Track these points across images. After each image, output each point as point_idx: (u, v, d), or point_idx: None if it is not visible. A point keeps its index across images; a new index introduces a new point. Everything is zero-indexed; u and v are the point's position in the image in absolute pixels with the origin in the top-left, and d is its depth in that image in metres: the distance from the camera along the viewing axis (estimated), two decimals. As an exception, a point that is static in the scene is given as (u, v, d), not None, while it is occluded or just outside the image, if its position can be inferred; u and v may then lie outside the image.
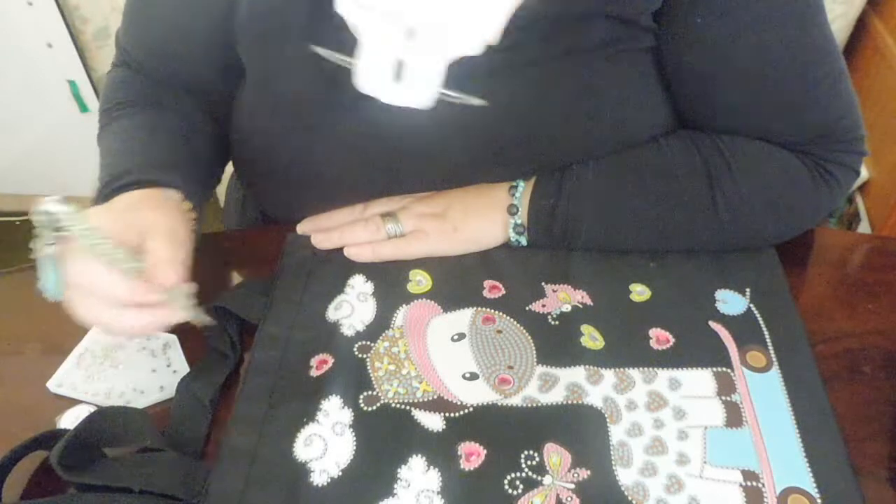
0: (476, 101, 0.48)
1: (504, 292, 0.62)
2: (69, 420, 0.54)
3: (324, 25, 0.59)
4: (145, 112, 0.68)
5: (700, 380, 0.55)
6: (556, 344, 0.57)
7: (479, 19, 0.40)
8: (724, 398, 0.54)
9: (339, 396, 0.54)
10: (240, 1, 0.60)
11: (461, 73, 0.60)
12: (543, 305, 0.60)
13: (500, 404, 0.54)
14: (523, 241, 0.64)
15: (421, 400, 0.54)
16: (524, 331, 0.59)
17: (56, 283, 0.49)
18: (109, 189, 0.57)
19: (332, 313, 0.61)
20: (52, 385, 0.57)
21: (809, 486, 0.49)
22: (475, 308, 0.60)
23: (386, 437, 0.52)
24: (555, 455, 0.51)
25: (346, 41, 0.58)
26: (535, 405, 0.54)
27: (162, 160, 0.62)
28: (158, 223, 0.53)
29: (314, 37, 0.59)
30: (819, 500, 0.48)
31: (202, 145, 0.70)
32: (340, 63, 0.47)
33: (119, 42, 0.73)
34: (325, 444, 0.52)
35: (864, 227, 1.44)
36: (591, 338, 0.58)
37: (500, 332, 0.59)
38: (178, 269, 0.51)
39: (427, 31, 0.40)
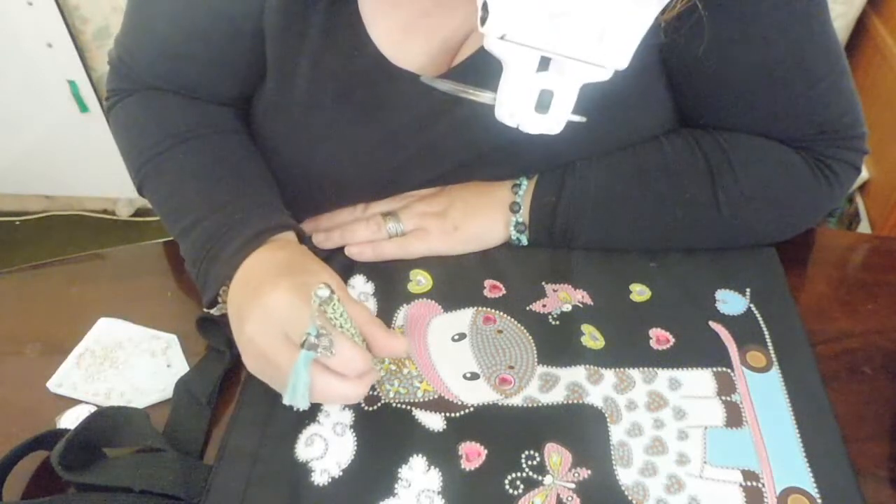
0: (579, 119, 0.48)
1: (504, 292, 0.62)
2: (69, 420, 0.54)
3: (340, 26, 0.59)
4: (212, 143, 0.63)
5: (700, 380, 0.55)
6: (557, 344, 0.57)
7: (612, 49, 0.41)
8: (724, 398, 0.54)
9: (339, 396, 0.54)
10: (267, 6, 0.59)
11: (467, 72, 0.60)
12: (544, 305, 0.60)
13: (500, 404, 0.54)
14: (524, 239, 0.64)
15: (421, 400, 0.54)
16: (525, 331, 0.59)
17: (306, 388, 0.46)
18: (239, 241, 0.54)
19: (333, 313, 0.61)
20: (52, 385, 0.57)
21: (809, 485, 0.49)
22: (476, 308, 0.60)
23: (387, 437, 0.52)
24: (555, 455, 0.51)
25: (361, 45, 0.58)
26: (535, 405, 0.54)
27: (270, 197, 0.59)
28: (335, 279, 0.51)
29: (330, 37, 0.59)
30: (819, 500, 0.48)
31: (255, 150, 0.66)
32: (465, 96, 0.47)
33: (120, 60, 0.67)
34: (326, 443, 0.52)
35: (864, 227, 1.44)
36: (592, 337, 0.58)
37: (500, 331, 0.59)
38: (403, 343, 0.51)
39: (562, 62, 0.42)
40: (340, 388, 0.48)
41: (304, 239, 0.59)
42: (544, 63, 0.42)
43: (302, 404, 0.47)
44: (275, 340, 0.48)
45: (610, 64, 0.42)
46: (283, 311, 0.48)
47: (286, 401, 0.47)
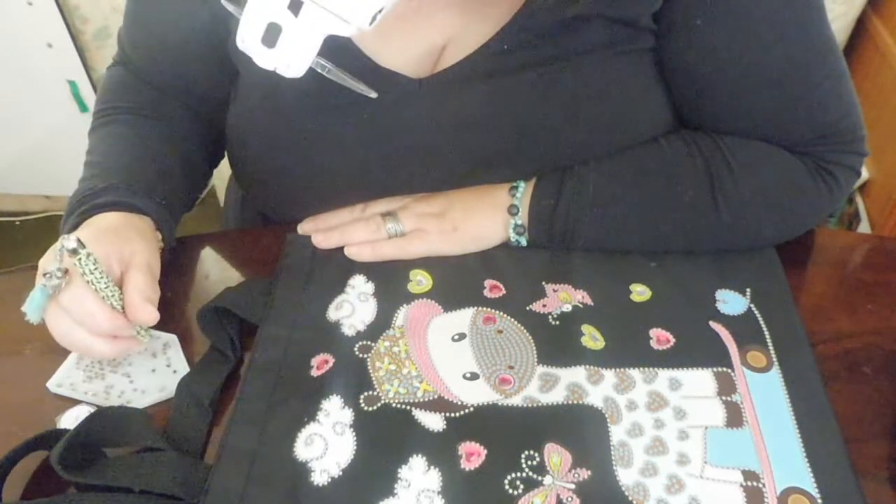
0: (364, 89, 0.51)
1: (505, 292, 0.62)
2: (69, 420, 0.54)
3: None
4: (137, 122, 0.69)
5: (700, 380, 0.55)
6: (557, 344, 0.57)
7: (355, 5, 0.42)
8: (724, 398, 0.54)
9: (339, 396, 0.54)
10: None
11: (461, 74, 0.60)
12: (544, 305, 0.60)
13: (500, 404, 0.54)
14: (523, 241, 0.64)
15: (421, 400, 0.54)
16: (525, 331, 0.59)
17: (41, 309, 0.53)
18: (90, 204, 0.59)
19: (333, 313, 0.61)
20: (52, 385, 0.57)
21: (810, 486, 0.49)
22: (476, 308, 0.60)
23: (386, 437, 0.52)
24: (555, 455, 0.51)
25: (343, 46, 0.59)
26: (535, 405, 0.54)
27: (145, 182, 0.63)
28: (142, 255, 0.56)
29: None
30: (819, 500, 0.48)
31: (193, 154, 0.71)
32: (353, 88, 0.50)
33: (120, 41, 0.73)
34: (326, 443, 0.52)
35: (864, 227, 1.44)
36: (592, 338, 0.58)
37: (500, 331, 0.59)
38: (154, 308, 0.54)
39: (309, 5, 0.42)
40: (82, 338, 0.53)
41: (160, 227, 0.62)
42: (296, 5, 0.43)
43: (31, 319, 0.53)
44: (43, 261, 0.55)
45: (354, 20, 0.43)
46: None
47: (23, 307, 0.53)
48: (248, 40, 0.46)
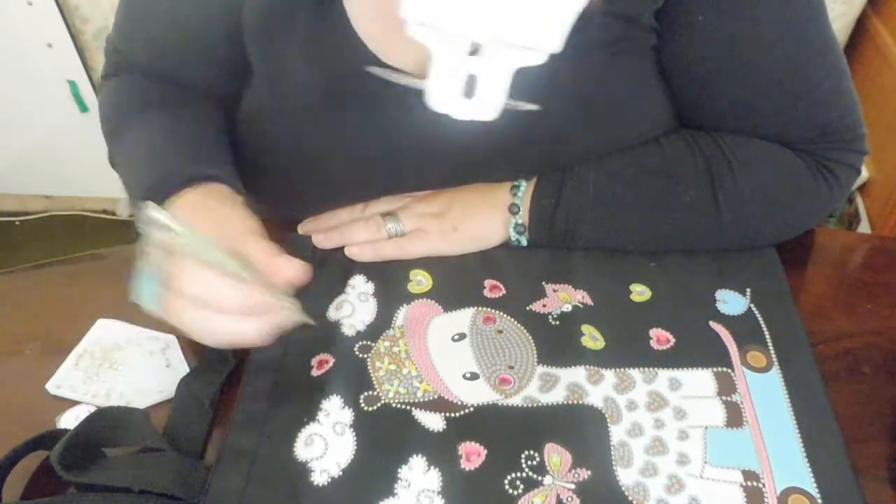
0: (530, 107, 0.48)
1: (504, 292, 0.62)
2: (69, 420, 0.54)
3: (327, 26, 0.59)
4: (166, 112, 0.65)
5: (700, 380, 0.55)
6: (557, 344, 0.57)
7: (542, 31, 0.40)
8: (724, 398, 0.54)
9: (339, 396, 0.54)
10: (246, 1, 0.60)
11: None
12: (544, 305, 0.60)
13: (500, 404, 0.54)
14: (524, 240, 0.64)
15: (421, 400, 0.54)
16: (525, 331, 0.59)
17: (155, 295, 0.46)
18: (162, 190, 0.54)
19: (333, 313, 0.61)
20: (52, 387, 0.57)
21: (810, 486, 0.49)
22: (476, 308, 0.60)
23: (386, 437, 0.52)
24: (555, 455, 0.51)
25: (350, 44, 0.59)
26: (535, 405, 0.54)
27: (205, 155, 0.60)
28: (240, 221, 0.51)
29: (319, 37, 0.59)
30: (819, 500, 0.48)
31: (226, 140, 0.67)
32: (401, 82, 0.47)
33: (115, 49, 0.71)
34: (326, 443, 0.52)
35: (864, 227, 1.44)
36: (592, 338, 0.58)
37: (500, 331, 0.59)
38: (292, 267, 0.48)
39: (492, 46, 0.41)
40: (217, 321, 0.46)
41: (238, 191, 0.58)
42: (475, 47, 0.41)
43: (147, 305, 0.48)
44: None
45: (542, 46, 0.41)
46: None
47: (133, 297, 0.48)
48: (446, 101, 0.44)
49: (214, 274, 0.46)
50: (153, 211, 0.45)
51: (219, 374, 0.57)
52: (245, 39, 0.62)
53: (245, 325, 0.47)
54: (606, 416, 0.53)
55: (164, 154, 0.59)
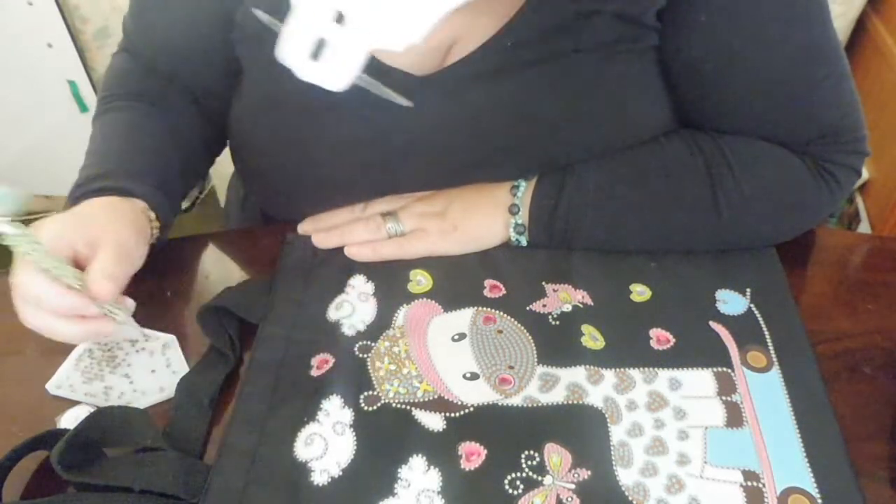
0: (401, 100, 0.49)
1: (505, 292, 0.62)
2: (69, 420, 0.54)
3: None
4: (138, 108, 0.68)
5: (700, 380, 0.55)
6: (557, 344, 0.57)
7: (408, 19, 0.41)
8: (724, 398, 0.54)
9: (339, 396, 0.54)
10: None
11: (464, 71, 0.60)
12: (544, 305, 0.60)
13: (500, 404, 0.54)
14: (524, 240, 0.64)
15: (421, 400, 0.54)
16: (525, 331, 0.59)
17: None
18: (81, 192, 0.59)
19: (333, 313, 0.61)
20: (52, 387, 0.57)
21: (810, 486, 0.49)
22: (476, 308, 0.60)
23: (386, 437, 0.52)
24: (555, 455, 0.51)
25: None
26: (535, 405, 0.54)
27: (139, 167, 0.63)
28: (108, 236, 0.55)
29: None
30: (819, 500, 0.48)
31: (192, 143, 0.71)
32: (274, 28, 0.47)
33: (126, 27, 0.73)
34: (326, 443, 0.52)
35: (864, 227, 1.44)
36: (592, 338, 0.58)
37: (500, 331, 0.58)
38: (114, 284, 0.52)
39: (356, 19, 0.41)
40: (43, 320, 0.52)
41: (159, 211, 0.62)
42: (340, 16, 0.42)
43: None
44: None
45: (403, 36, 0.42)
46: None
47: None
48: (291, 53, 0.44)
49: (43, 278, 0.51)
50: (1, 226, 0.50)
51: (218, 373, 0.57)
52: (235, 41, 0.62)
53: (66, 326, 0.52)
54: (606, 416, 0.53)
55: (100, 156, 0.64)
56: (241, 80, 0.67)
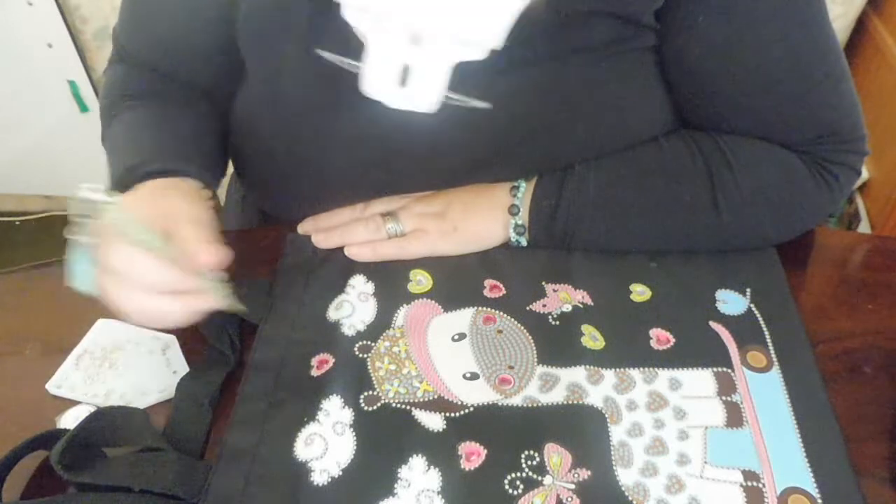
0: (479, 104, 0.48)
1: (504, 292, 0.62)
2: (69, 420, 0.54)
3: (324, 24, 0.59)
4: (153, 104, 0.67)
5: (700, 380, 0.55)
6: (557, 344, 0.57)
7: (483, 26, 0.40)
8: (724, 398, 0.54)
9: (339, 396, 0.54)
10: None
11: (463, 72, 0.60)
12: (544, 305, 0.60)
13: (500, 404, 0.54)
14: (523, 241, 0.64)
15: (421, 400, 0.54)
16: (525, 331, 0.59)
17: (89, 276, 0.48)
18: (130, 178, 0.56)
19: (333, 313, 0.61)
20: (52, 387, 0.57)
21: (810, 486, 0.49)
22: (476, 308, 0.60)
23: (386, 437, 0.52)
24: (555, 455, 0.51)
25: (349, 41, 0.59)
26: (535, 405, 0.54)
27: (177, 150, 0.62)
28: (186, 209, 0.52)
29: (315, 36, 0.59)
30: (819, 500, 0.48)
31: (210, 138, 0.69)
32: (346, 67, 0.47)
33: (117, 39, 0.72)
34: (326, 443, 0.52)
35: (864, 227, 1.44)
36: (592, 338, 0.58)
37: (500, 331, 0.59)
38: (213, 252, 0.49)
39: (432, 37, 0.40)
40: (140, 299, 0.48)
41: (209, 189, 0.60)
42: (416, 38, 0.41)
43: (81, 286, 0.49)
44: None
45: (482, 42, 0.41)
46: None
47: (67, 281, 0.49)
48: (378, 87, 0.43)
49: (139, 252, 0.47)
50: (87, 191, 0.47)
51: (218, 373, 0.57)
52: (239, 39, 0.62)
53: (168, 304, 0.49)
54: (606, 416, 0.53)
55: (137, 146, 0.62)
56: (243, 80, 0.67)
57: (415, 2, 0.38)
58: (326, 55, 0.47)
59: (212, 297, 0.50)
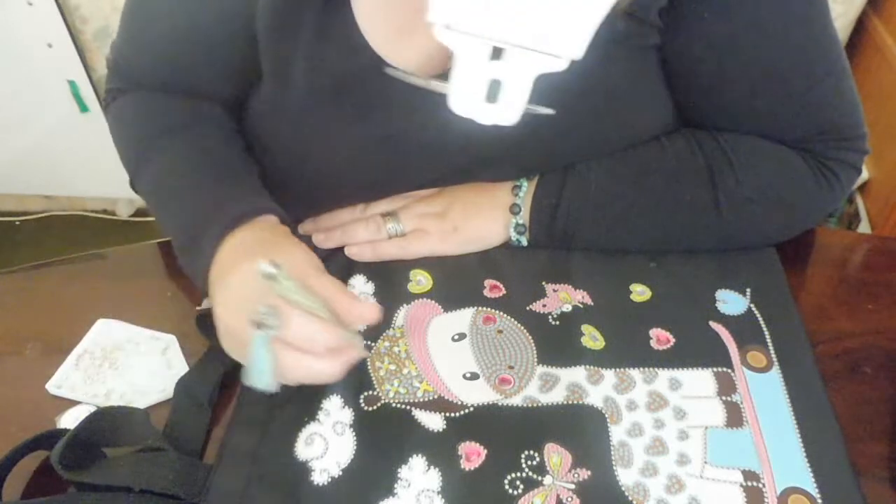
0: (545, 111, 0.48)
1: (504, 292, 0.62)
2: (69, 420, 0.54)
3: (334, 26, 0.59)
4: (192, 134, 0.64)
5: (700, 380, 0.55)
6: (557, 344, 0.57)
7: (567, 38, 0.40)
8: (724, 398, 0.54)
9: (339, 396, 0.54)
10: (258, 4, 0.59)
11: None
12: (544, 305, 0.60)
13: (500, 404, 0.54)
14: (524, 240, 0.64)
15: (421, 400, 0.54)
16: (525, 331, 0.59)
17: (268, 365, 0.46)
18: (218, 228, 0.54)
19: (333, 313, 0.60)
20: (52, 387, 0.57)
21: (810, 486, 0.49)
22: (476, 308, 0.60)
23: (386, 437, 0.52)
24: (555, 455, 0.51)
25: (349, 40, 0.59)
26: (535, 405, 0.54)
27: (249, 184, 0.60)
28: (303, 258, 0.51)
29: (324, 37, 0.59)
30: (819, 500, 0.48)
31: (252, 160, 0.67)
32: (418, 84, 0.46)
33: (119, 65, 0.69)
34: (326, 443, 0.52)
35: (864, 227, 1.44)
36: (592, 338, 0.58)
37: (500, 331, 0.59)
38: (375, 310, 0.48)
39: (515, 50, 0.41)
40: (311, 364, 0.47)
41: (286, 222, 0.58)
42: (497, 52, 0.41)
43: (262, 384, 0.46)
44: (238, 320, 0.48)
45: (565, 53, 0.41)
46: (241, 290, 0.48)
47: (245, 381, 0.46)
48: (467, 105, 0.43)
49: (309, 317, 0.46)
50: (266, 267, 0.44)
51: (216, 370, 0.57)
52: (259, 40, 0.61)
53: (329, 365, 0.47)
54: (606, 416, 0.53)
55: (205, 190, 0.59)
56: (256, 88, 0.65)
57: (502, 17, 0.39)
58: (395, 73, 0.47)
59: (356, 351, 0.49)
